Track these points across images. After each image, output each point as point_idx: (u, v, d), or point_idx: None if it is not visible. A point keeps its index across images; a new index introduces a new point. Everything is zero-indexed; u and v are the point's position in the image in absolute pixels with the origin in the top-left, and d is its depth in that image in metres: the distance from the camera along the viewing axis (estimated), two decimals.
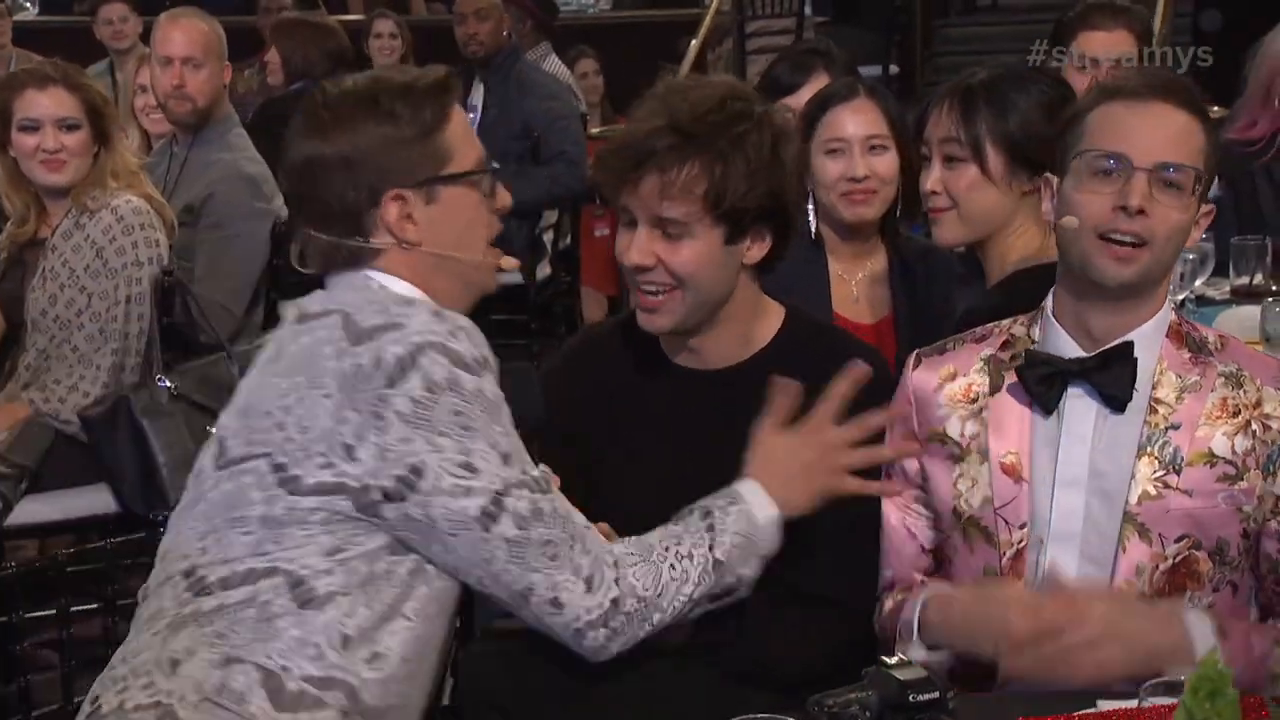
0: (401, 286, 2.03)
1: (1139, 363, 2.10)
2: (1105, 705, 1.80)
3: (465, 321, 1.96)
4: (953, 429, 2.19)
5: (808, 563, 2.19)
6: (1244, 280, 3.83)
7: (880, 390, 2.23)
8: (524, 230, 6.18)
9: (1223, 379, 2.12)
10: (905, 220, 3.17)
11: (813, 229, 3.13)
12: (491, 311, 6.20)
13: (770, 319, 2.35)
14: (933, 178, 2.62)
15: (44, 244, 3.78)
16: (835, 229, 3.13)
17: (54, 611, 2.36)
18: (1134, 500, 2.08)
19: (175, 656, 1.92)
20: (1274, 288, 3.79)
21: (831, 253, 3.13)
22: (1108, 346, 2.11)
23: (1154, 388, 2.11)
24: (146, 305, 3.75)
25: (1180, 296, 3.65)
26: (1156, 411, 2.10)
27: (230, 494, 1.97)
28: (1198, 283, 3.72)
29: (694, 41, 8.10)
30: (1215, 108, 5.76)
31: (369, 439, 1.90)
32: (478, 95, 6.42)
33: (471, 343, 1.94)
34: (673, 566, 2.02)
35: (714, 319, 2.29)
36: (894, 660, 1.71)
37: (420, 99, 2.03)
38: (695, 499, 2.15)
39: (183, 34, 4.49)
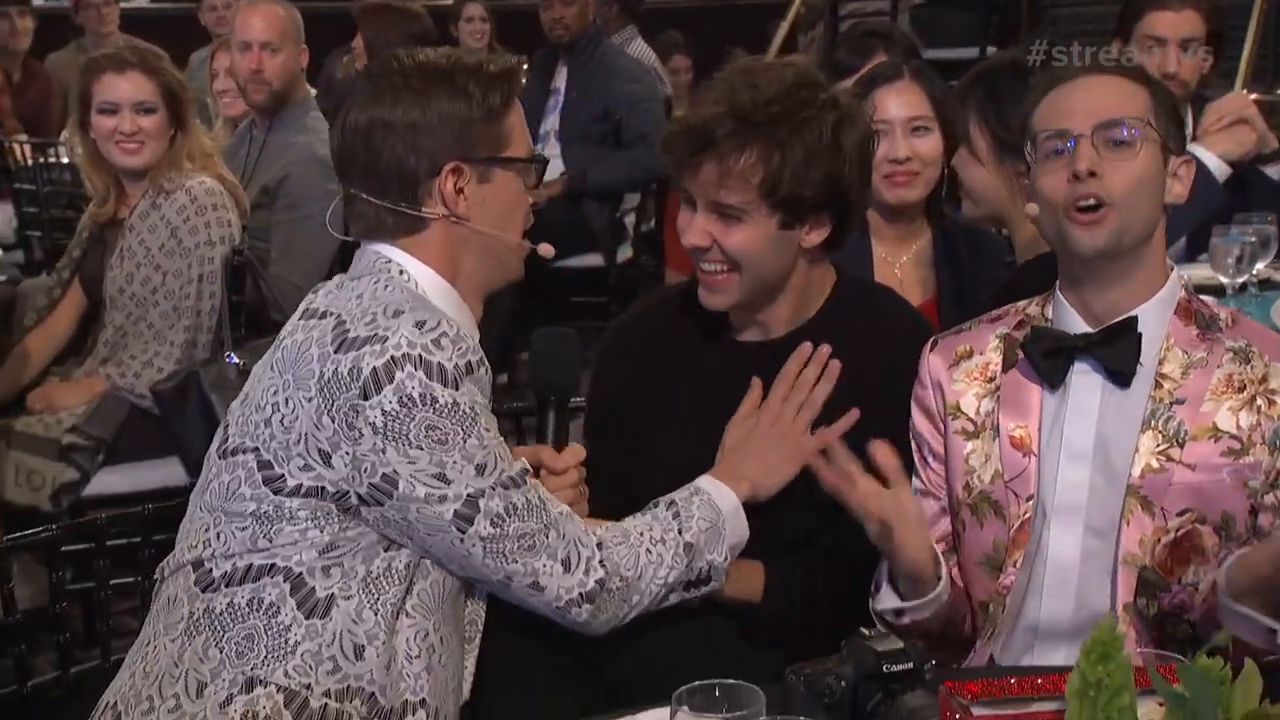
0: (422, 271, 2.05)
1: (1145, 338, 2.12)
2: None
3: (451, 328, 1.95)
4: (968, 406, 2.22)
5: (808, 521, 2.27)
6: None
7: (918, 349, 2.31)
8: (604, 213, 6.23)
9: (1230, 354, 2.13)
10: (950, 201, 3.17)
11: None
12: (572, 294, 6.31)
13: (824, 284, 2.39)
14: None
15: (122, 224, 3.91)
16: (879, 211, 3.12)
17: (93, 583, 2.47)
18: (1137, 473, 2.10)
19: (200, 678, 1.97)
20: None
21: (875, 235, 3.13)
22: (1112, 322, 2.13)
23: (1160, 363, 2.13)
24: (218, 284, 3.86)
25: (1241, 279, 3.60)
26: (1162, 386, 2.12)
27: (227, 485, 2.01)
28: (1260, 265, 3.65)
29: (782, 24, 8.02)
30: None
31: (342, 448, 1.93)
32: (561, 78, 6.44)
33: (455, 350, 1.93)
34: (648, 550, 2.09)
35: (774, 296, 2.34)
36: (871, 632, 1.74)
37: (491, 82, 2.07)
38: None
39: (261, 19, 4.61)
